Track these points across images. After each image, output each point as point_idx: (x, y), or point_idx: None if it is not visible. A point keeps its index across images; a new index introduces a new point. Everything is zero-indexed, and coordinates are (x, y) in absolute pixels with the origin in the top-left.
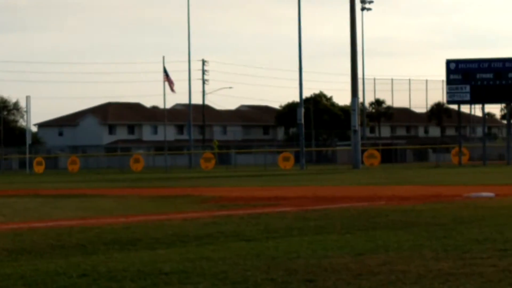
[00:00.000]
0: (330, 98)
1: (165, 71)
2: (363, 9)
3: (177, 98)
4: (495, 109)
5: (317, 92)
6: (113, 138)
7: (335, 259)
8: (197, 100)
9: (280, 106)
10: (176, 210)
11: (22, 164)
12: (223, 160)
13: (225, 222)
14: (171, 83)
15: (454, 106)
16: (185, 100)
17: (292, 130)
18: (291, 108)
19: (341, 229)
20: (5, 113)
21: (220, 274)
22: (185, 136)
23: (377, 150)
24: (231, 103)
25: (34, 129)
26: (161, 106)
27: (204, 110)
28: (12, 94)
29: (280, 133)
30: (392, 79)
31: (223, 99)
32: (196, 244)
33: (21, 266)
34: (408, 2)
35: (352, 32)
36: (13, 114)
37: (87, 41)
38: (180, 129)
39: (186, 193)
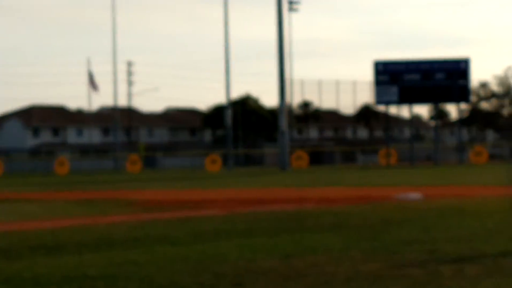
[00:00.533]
0: (258, 100)
1: (90, 74)
2: (290, 10)
3: (102, 100)
4: (423, 110)
5: (244, 93)
6: (37, 141)
7: (263, 262)
8: (123, 102)
9: (207, 108)
10: (102, 214)
11: None
12: (149, 163)
13: (151, 225)
14: (94, 86)
15: (382, 107)
16: (111, 102)
17: (219, 132)
18: (218, 110)
19: (269, 231)
20: None
21: (147, 278)
22: (110, 139)
23: (305, 152)
24: (157, 105)
25: None
26: (86, 108)
27: (130, 113)
28: None
29: (207, 136)
30: (319, 81)
31: (150, 101)
32: (123, 248)
33: None
34: (335, 3)
35: (279, 33)
36: None
37: (10, 43)
38: (105, 132)
39: (112, 196)
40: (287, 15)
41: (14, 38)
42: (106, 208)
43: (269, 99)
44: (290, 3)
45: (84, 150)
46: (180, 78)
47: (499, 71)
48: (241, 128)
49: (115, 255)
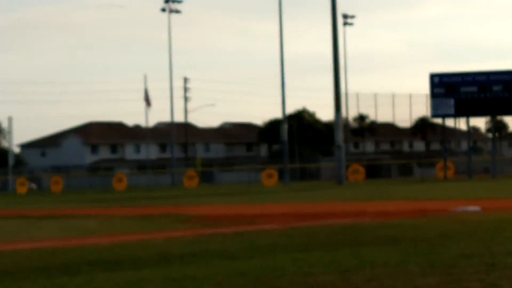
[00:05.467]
0: (313, 114)
1: (145, 90)
2: (345, 24)
3: (159, 116)
4: (480, 123)
5: (300, 108)
6: (95, 157)
7: (321, 276)
8: (179, 118)
9: (263, 123)
10: (159, 229)
11: (4, 185)
12: (206, 178)
13: (209, 240)
14: (148, 102)
15: (439, 120)
16: (167, 118)
17: (275, 146)
18: (274, 124)
19: (326, 245)
20: None
21: None
22: (168, 155)
23: (362, 165)
24: (213, 120)
25: (17, 150)
26: (143, 124)
27: (186, 128)
28: None
29: (264, 150)
30: (375, 94)
31: (206, 117)
32: (180, 263)
33: None
34: (390, 17)
35: (334, 47)
36: None
37: (68, 61)
38: (162, 147)
39: (170, 212)
40: (342, 29)
41: (72, 56)
42: (164, 223)
43: (324, 113)
44: (345, 17)
45: (142, 166)
46: (236, 93)
47: None
48: (297, 142)
49: (173, 271)
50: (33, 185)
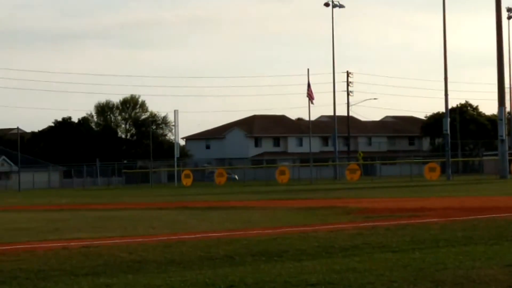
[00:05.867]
0: (476, 108)
1: (308, 84)
2: (509, 17)
3: (321, 110)
4: None
5: (463, 102)
6: (259, 150)
7: (483, 270)
8: (341, 111)
9: (426, 117)
10: (321, 221)
11: (170, 177)
12: (368, 171)
13: (370, 233)
14: (311, 96)
15: None
16: (329, 112)
17: (438, 140)
18: (436, 118)
19: (489, 240)
20: (154, 127)
21: (367, 285)
22: (330, 148)
23: None
24: (375, 114)
25: (182, 142)
26: (306, 118)
27: (348, 122)
28: (160, 109)
29: (426, 144)
30: None
31: (368, 110)
32: (342, 255)
33: (170, 277)
34: None
35: (499, 40)
36: (162, 128)
37: (233, 55)
38: (325, 140)
39: (332, 204)
40: (506, 22)
41: (237, 50)
42: (326, 216)
43: (488, 107)
44: (509, 10)
45: (304, 159)
46: (398, 87)
47: None
48: (460, 136)
49: (335, 263)
50: (234, 176)
